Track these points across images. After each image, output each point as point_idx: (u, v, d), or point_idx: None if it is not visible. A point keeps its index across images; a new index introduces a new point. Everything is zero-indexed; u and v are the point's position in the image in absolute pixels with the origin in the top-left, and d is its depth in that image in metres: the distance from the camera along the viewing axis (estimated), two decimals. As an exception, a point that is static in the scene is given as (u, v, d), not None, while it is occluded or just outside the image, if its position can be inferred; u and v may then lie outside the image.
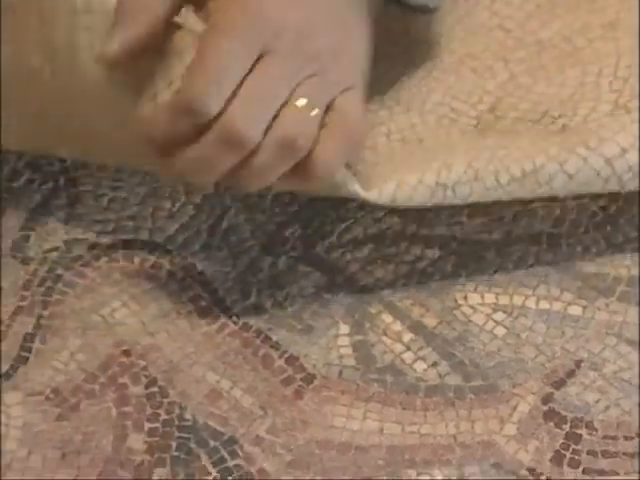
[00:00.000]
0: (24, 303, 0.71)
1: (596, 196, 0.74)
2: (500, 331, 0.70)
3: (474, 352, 0.69)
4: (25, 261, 0.73)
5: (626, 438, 0.65)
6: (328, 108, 0.65)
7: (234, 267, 0.73)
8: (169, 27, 0.66)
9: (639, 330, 0.70)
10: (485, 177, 0.68)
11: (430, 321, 0.71)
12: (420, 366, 0.69)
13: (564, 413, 0.67)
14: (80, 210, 0.76)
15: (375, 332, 0.70)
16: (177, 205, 0.76)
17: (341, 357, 0.69)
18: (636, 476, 0.64)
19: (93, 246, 0.74)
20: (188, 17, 0.68)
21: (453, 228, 0.74)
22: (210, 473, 0.65)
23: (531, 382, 0.68)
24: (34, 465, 0.65)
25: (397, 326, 0.71)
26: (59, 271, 0.73)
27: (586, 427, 0.66)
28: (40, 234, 0.74)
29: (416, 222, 0.75)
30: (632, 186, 0.70)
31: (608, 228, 0.74)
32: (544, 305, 0.71)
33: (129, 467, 0.65)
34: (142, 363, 0.69)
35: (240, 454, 0.66)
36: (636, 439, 0.66)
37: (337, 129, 0.65)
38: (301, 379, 0.68)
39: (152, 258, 0.74)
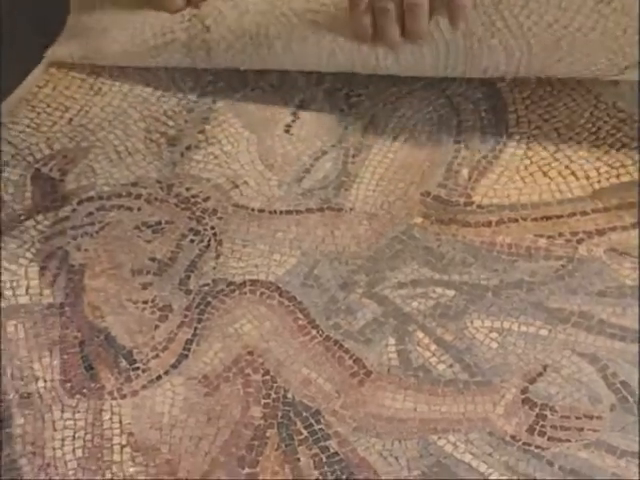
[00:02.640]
0: (186, 319, 0.72)
1: (558, 257, 0.73)
2: (494, 345, 0.69)
3: (477, 358, 0.69)
4: (187, 292, 0.73)
5: (576, 418, 0.65)
6: None
7: (321, 299, 0.73)
8: None
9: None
10: None
11: (448, 337, 0.70)
12: (441, 367, 0.69)
13: (535, 400, 0.66)
14: (222, 260, 0.75)
15: (412, 344, 0.70)
16: (284, 257, 0.75)
17: (389, 359, 0.69)
18: (582, 443, 0.64)
19: (230, 284, 0.74)
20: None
21: (464, 276, 0.73)
22: (302, 433, 0.66)
23: (514, 379, 0.68)
24: (190, 425, 0.66)
25: (426, 340, 0.70)
26: (209, 299, 0.73)
27: (550, 410, 0.66)
28: (197, 275, 0.74)
29: (439, 272, 0.74)
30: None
31: (567, 278, 0.72)
32: (523, 328, 0.70)
33: (250, 428, 0.66)
34: (260, 360, 0.69)
35: (322, 421, 0.66)
36: (583, 418, 0.65)
37: None
38: (363, 373, 0.68)
39: (267, 292, 0.73)
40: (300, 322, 0.72)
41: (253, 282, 0.74)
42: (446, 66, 0.80)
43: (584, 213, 0.76)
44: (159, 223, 0.78)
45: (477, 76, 0.82)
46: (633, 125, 0.81)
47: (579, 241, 0.75)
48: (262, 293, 0.73)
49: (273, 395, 0.68)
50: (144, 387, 0.69)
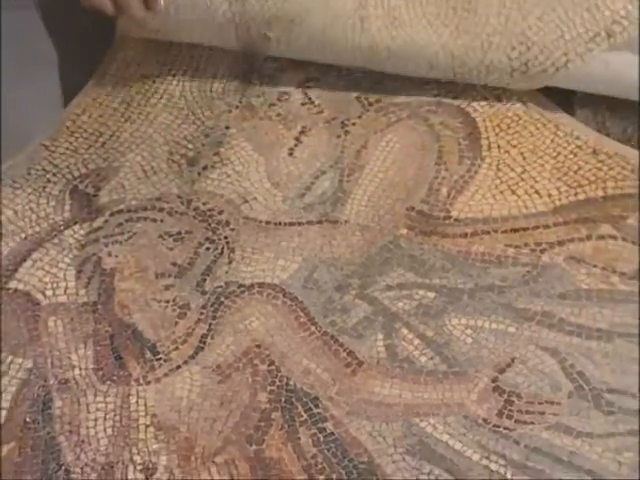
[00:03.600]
0: (202, 316, 0.72)
1: (525, 264, 0.74)
2: (469, 340, 0.70)
3: (454, 352, 0.69)
4: (203, 293, 0.74)
5: (539, 403, 0.66)
6: None
7: (319, 299, 0.73)
8: None
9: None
10: None
11: (429, 333, 0.70)
12: (423, 359, 0.69)
13: (504, 388, 0.67)
14: (234, 265, 0.75)
15: (398, 339, 0.70)
16: (288, 263, 0.75)
17: (378, 352, 0.69)
18: (544, 425, 0.64)
19: (240, 286, 0.74)
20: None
21: (443, 280, 0.73)
22: (302, 416, 0.66)
23: (486, 370, 0.68)
24: (206, 408, 0.67)
25: (410, 335, 0.70)
26: (222, 299, 0.73)
27: (516, 396, 0.66)
28: (212, 278, 0.74)
29: (422, 276, 0.74)
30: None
31: (531, 283, 0.73)
32: (494, 326, 0.70)
33: (258, 411, 0.66)
34: (266, 352, 0.69)
35: (320, 406, 0.66)
36: (545, 404, 0.66)
37: None
38: (355, 364, 0.69)
39: (273, 293, 0.73)
40: (301, 319, 0.72)
41: (260, 284, 0.74)
42: (446, 14, 0.80)
43: (546, 226, 0.77)
44: (179, 233, 0.78)
45: (469, 40, 0.81)
46: (588, 150, 0.82)
47: (542, 250, 0.75)
48: (268, 294, 0.74)
49: (277, 383, 0.68)
50: (166, 375, 0.69)
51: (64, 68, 1.13)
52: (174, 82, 0.90)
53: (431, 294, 0.73)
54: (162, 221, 0.79)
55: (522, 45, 0.80)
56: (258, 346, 0.70)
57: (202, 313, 0.72)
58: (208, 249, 0.77)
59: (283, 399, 0.67)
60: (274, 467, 0.64)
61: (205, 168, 0.83)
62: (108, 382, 0.69)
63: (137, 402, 0.67)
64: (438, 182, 0.81)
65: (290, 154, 0.84)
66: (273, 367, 0.69)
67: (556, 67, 0.81)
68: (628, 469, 0.62)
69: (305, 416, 0.66)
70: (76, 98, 0.89)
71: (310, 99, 0.88)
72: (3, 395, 0.67)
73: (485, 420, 0.65)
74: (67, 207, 0.80)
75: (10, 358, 0.69)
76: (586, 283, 0.73)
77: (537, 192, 0.79)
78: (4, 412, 0.66)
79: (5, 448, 0.65)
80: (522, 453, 0.64)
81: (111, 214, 0.80)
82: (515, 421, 0.65)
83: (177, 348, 0.70)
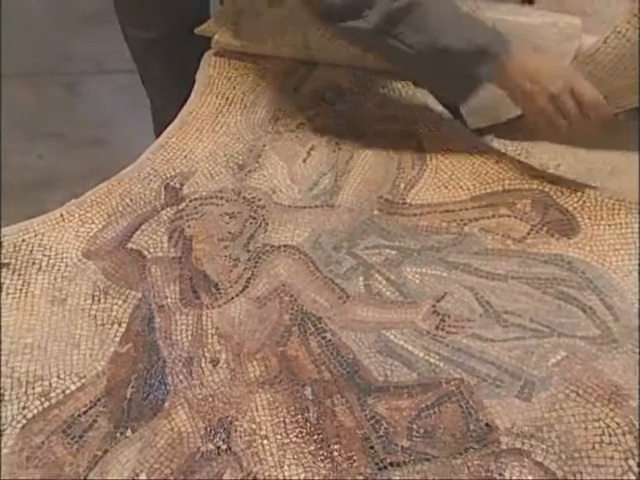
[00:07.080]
0: (247, 266, 0.71)
1: (453, 233, 0.73)
2: (417, 281, 0.70)
3: (408, 288, 0.69)
4: (248, 251, 0.73)
5: (461, 320, 0.66)
6: None
7: (322, 255, 0.72)
8: None
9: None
10: None
11: (392, 277, 0.70)
12: (388, 293, 0.69)
13: (440, 311, 0.67)
14: (267, 234, 0.75)
15: (372, 281, 0.70)
16: (302, 232, 0.75)
17: (360, 289, 0.69)
18: (464, 335, 0.64)
19: (272, 246, 0.73)
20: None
21: (401, 243, 0.73)
22: (311, 329, 0.66)
23: (428, 300, 0.68)
24: (249, 324, 0.67)
25: (380, 278, 0.70)
26: (260, 255, 0.73)
27: (447, 317, 0.66)
28: (254, 242, 0.74)
29: (388, 241, 0.74)
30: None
31: (458, 245, 0.72)
32: (433, 272, 0.70)
33: (283, 325, 0.66)
34: (288, 289, 0.69)
35: (322, 322, 0.67)
36: (465, 321, 0.65)
37: None
38: (345, 297, 0.69)
39: (292, 251, 0.73)
40: (310, 268, 0.72)
41: (285, 246, 0.74)
42: None
43: (467, 209, 0.77)
44: (233, 213, 0.78)
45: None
46: (493, 160, 0.81)
47: (464, 224, 0.75)
48: (289, 252, 0.73)
49: (295, 308, 0.68)
50: (225, 303, 0.69)
51: (157, 114, 1.12)
52: (230, 116, 0.90)
53: (393, 252, 0.73)
54: (222, 205, 0.79)
55: None
56: (283, 285, 0.70)
57: (247, 264, 0.72)
58: (251, 223, 0.77)
59: (299, 318, 0.67)
60: (293, 361, 0.64)
61: (249, 171, 0.83)
62: (189, 307, 0.69)
63: (206, 320, 0.68)
64: (398, 180, 0.81)
65: (303, 162, 0.84)
66: (292, 298, 0.69)
67: None
68: (515, 360, 0.63)
69: (313, 329, 0.67)
70: (168, 128, 0.88)
71: (317, 128, 0.87)
72: (124, 315, 0.67)
73: (427, 331, 0.66)
74: (162, 196, 0.80)
75: (128, 291, 0.70)
76: (491, 245, 0.73)
77: (461, 187, 0.79)
78: (125, 325, 0.67)
79: (126, 347, 0.65)
80: (450, 351, 0.64)
81: (190, 201, 0.79)
82: (446, 332, 0.66)
83: (231, 286, 0.71)
